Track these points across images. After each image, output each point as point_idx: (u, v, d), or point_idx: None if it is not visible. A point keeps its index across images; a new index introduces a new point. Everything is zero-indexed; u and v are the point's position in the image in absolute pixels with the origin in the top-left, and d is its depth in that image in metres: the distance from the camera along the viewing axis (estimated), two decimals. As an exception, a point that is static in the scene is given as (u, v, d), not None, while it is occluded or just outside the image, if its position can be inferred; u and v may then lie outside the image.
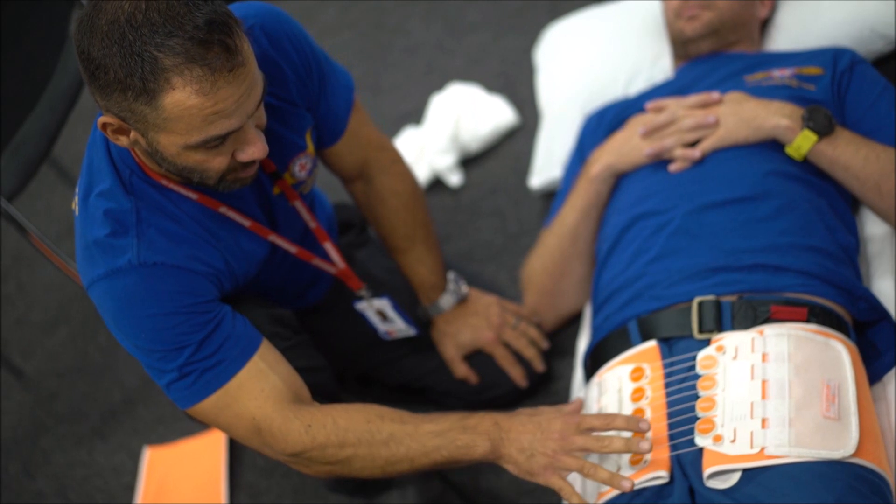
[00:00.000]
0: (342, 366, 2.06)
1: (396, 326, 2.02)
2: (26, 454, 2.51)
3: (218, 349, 1.59)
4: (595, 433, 1.59)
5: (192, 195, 1.61)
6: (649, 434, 1.60)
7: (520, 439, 1.60)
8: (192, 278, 1.59)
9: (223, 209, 1.65)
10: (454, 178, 2.61)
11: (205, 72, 1.37)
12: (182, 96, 1.38)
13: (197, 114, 1.40)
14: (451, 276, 2.05)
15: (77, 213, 1.61)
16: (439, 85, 2.82)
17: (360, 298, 1.98)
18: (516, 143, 2.64)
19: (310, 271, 1.89)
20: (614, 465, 1.66)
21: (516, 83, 2.77)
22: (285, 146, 1.71)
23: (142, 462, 2.37)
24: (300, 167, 1.76)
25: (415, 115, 2.79)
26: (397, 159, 1.99)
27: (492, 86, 2.77)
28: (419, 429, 1.61)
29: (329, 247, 1.90)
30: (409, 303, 2.04)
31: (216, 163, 1.49)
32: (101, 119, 1.48)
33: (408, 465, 1.62)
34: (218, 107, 1.40)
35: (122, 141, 1.49)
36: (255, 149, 1.50)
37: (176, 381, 1.60)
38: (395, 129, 2.77)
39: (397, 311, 1.99)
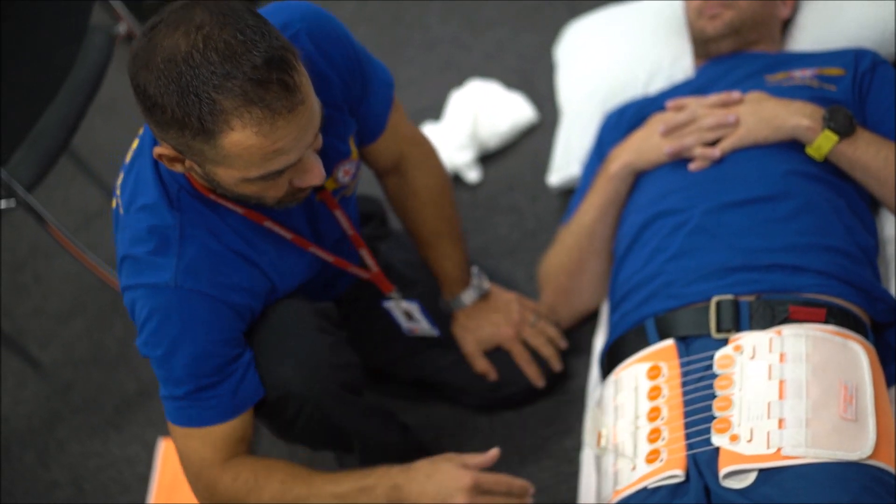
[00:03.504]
0: (361, 358, 2.06)
1: (420, 326, 2.03)
2: (41, 444, 2.52)
3: (210, 398, 1.64)
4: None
5: (239, 209, 1.61)
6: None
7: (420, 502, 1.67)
8: (224, 312, 1.62)
9: (268, 223, 1.66)
10: (472, 175, 2.60)
11: (265, 113, 1.36)
12: (241, 137, 1.38)
13: (257, 153, 1.40)
14: (474, 270, 2.05)
15: (120, 218, 1.62)
16: (457, 81, 2.82)
17: (389, 298, 1.99)
18: (535, 140, 2.63)
19: (337, 269, 1.89)
20: (630, 463, 1.66)
21: (534, 80, 2.77)
22: (330, 154, 1.71)
23: (156, 453, 2.37)
24: (344, 173, 1.76)
25: (432, 111, 2.79)
26: (431, 154, 1.99)
27: (509, 82, 2.76)
28: (323, 490, 1.67)
29: (364, 252, 1.90)
30: (431, 296, 2.04)
31: (274, 191, 1.50)
32: (157, 150, 1.48)
33: None
34: (278, 145, 1.40)
35: (178, 167, 1.50)
36: (313, 175, 1.50)
37: (166, 398, 1.66)
38: (413, 124, 2.76)
39: (424, 313, 2.00)
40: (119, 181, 1.65)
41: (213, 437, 1.66)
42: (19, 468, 2.50)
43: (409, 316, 2.01)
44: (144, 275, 1.58)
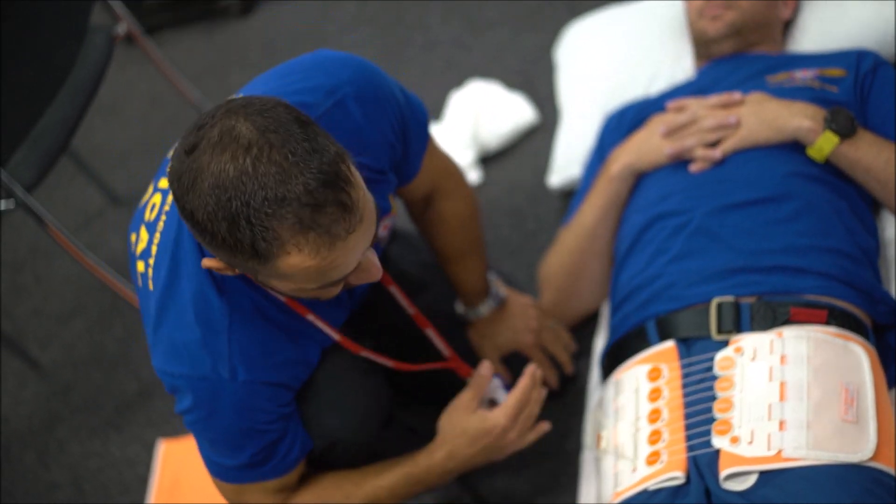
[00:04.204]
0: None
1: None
2: (41, 444, 2.52)
3: (263, 461, 1.61)
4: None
5: (281, 297, 1.54)
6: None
7: (470, 462, 1.76)
8: (279, 392, 1.58)
9: (310, 317, 1.61)
10: (473, 176, 2.60)
11: (323, 239, 1.28)
12: (298, 260, 1.30)
13: (314, 271, 1.32)
14: (491, 278, 2.03)
15: (151, 294, 1.54)
16: (457, 82, 2.82)
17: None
18: (535, 142, 2.63)
19: (356, 293, 1.83)
20: (630, 464, 1.66)
21: (535, 81, 2.77)
22: None
23: (156, 455, 2.37)
24: (382, 228, 1.72)
25: (432, 112, 2.79)
26: (462, 183, 1.93)
27: (510, 83, 2.76)
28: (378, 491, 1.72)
29: (431, 333, 1.84)
30: (445, 298, 2.03)
31: (330, 293, 1.44)
32: (206, 262, 1.41)
33: None
34: (336, 262, 1.32)
35: (229, 273, 1.42)
36: (370, 274, 1.43)
37: (211, 462, 1.64)
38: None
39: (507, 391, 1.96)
40: (146, 244, 1.56)
41: (268, 488, 1.65)
42: (19, 468, 2.50)
43: (493, 403, 1.92)
44: (192, 365, 1.51)
